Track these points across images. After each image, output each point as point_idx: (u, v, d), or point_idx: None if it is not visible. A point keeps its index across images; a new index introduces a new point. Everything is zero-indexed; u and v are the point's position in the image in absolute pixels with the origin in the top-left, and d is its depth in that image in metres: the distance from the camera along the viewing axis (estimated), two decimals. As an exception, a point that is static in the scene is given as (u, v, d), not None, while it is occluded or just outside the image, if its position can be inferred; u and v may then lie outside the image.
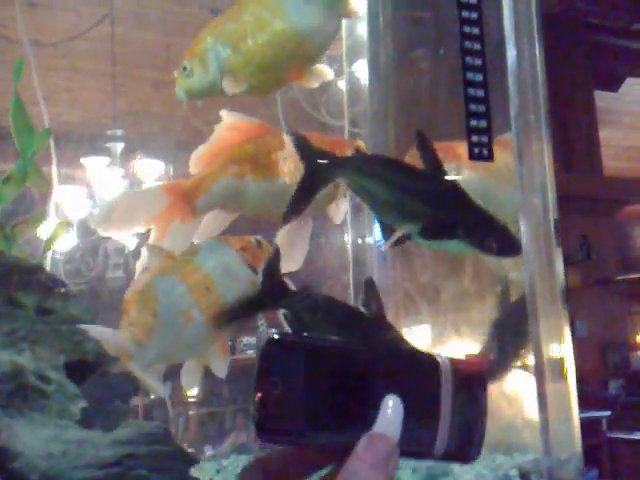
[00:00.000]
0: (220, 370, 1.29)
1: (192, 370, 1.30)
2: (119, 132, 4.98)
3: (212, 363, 1.27)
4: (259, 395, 0.52)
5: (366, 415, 0.54)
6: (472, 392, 0.57)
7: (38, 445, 0.85)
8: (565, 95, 5.73)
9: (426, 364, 0.56)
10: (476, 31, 1.23)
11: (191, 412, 4.64)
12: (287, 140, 1.13)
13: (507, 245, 1.10)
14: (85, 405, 0.95)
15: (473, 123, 1.23)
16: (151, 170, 4.60)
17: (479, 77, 1.23)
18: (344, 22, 3.46)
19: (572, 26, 5.80)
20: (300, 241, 1.32)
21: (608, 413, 5.09)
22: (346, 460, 0.52)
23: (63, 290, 1.08)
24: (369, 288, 1.17)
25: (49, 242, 1.20)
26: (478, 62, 1.23)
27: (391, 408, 0.53)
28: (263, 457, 0.58)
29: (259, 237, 1.31)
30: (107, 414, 1.25)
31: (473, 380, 0.57)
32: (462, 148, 1.24)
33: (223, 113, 1.32)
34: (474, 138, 1.24)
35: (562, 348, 1.32)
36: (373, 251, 1.80)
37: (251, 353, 4.70)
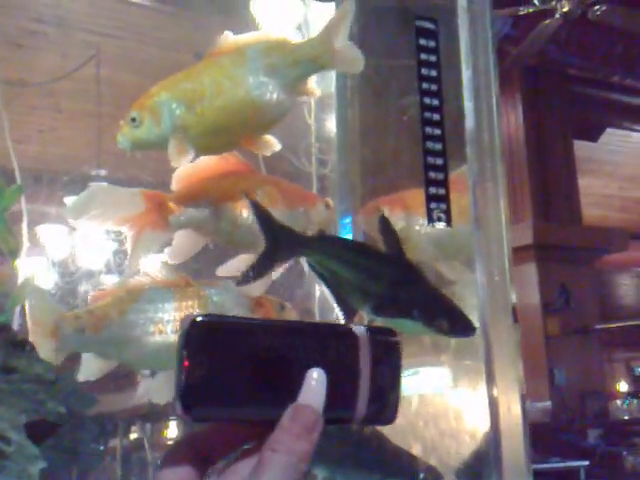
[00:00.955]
0: (158, 395, 1.33)
1: (160, 385, 1.33)
2: (102, 172, 5.04)
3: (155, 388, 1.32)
4: (184, 374, 0.54)
5: (290, 388, 0.56)
6: (388, 359, 0.61)
7: (-5, 507, 0.89)
8: (544, 144, 5.86)
9: (345, 335, 0.59)
10: (436, 102, 1.30)
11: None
12: (249, 207, 1.18)
13: (459, 325, 1.14)
14: (44, 466, 0.98)
15: (432, 190, 1.29)
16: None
17: (438, 147, 1.29)
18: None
19: (551, 77, 5.96)
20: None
21: (586, 463, 5.11)
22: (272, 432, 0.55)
23: (28, 349, 1.12)
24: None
25: (15, 300, 1.24)
26: (437, 132, 1.30)
27: (314, 380, 0.57)
28: (190, 434, 0.59)
29: (286, 303, 1.37)
30: (82, 457, 1.29)
31: (389, 348, 0.61)
32: (416, 198, 1.31)
33: None
34: (433, 205, 1.30)
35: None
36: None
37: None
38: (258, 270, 1.09)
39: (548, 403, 5.55)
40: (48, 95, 4.47)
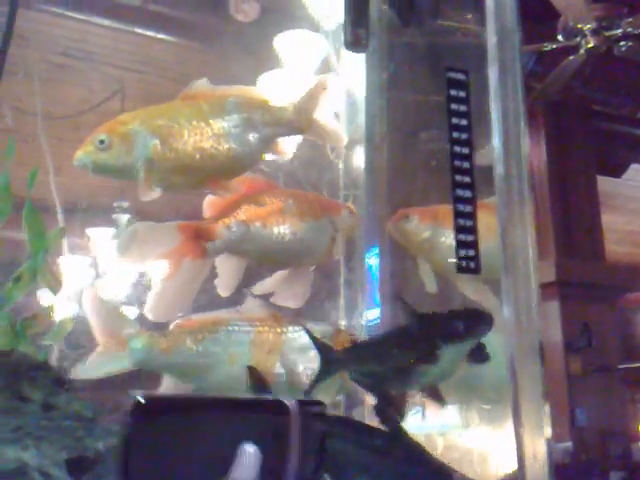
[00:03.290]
0: None
1: None
2: (125, 204, 5.13)
3: None
4: (122, 460, 0.57)
5: (225, 465, 0.59)
6: (315, 429, 0.64)
7: (38, 541, 0.93)
8: (567, 180, 5.89)
9: (276, 408, 0.62)
10: (466, 150, 1.35)
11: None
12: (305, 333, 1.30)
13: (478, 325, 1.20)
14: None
15: (461, 237, 1.33)
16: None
17: (468, 194, 1.33)
18: (345, 109, 3.61)
19: (575, 113, 6.01)
20: (300, 285, 1.45)
21: (609, 506, 5.05)
22: None
23: (67, 387, 1.17)
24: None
25: (56, 335, 1.29)
26: (467, 180, 1.34)
27: (247, 455, 0.59)
28: None
29: (343, 329, 1.46)
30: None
31: (316, 418, 0.65)
32: (446, 212, 1.36)
33: None
34: (461, 252, 1.34)
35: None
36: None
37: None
38: (316, 382, 1.23)
39: (569, 444, 5.50)
40: (74, 128, 4.57)
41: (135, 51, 4.64)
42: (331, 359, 1.27)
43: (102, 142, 1.28)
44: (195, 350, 1.37)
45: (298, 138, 4.15)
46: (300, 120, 1.44)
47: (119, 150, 1.28)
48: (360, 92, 1.89)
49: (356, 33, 1.30)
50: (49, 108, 4.23)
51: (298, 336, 1.40)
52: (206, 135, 1.34)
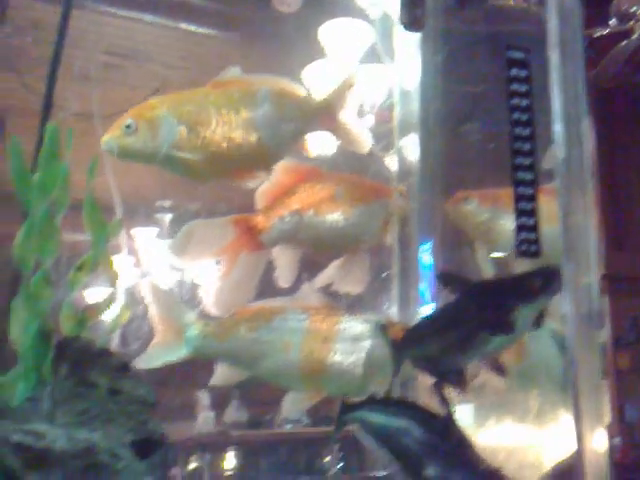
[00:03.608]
0: (289, 411, 1.42)
1: (293, 402, 1.41)
2: (167, 203, 5.19)
3: (287, 404, 1.40)
4: None
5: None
6: None
7: (109, 519, 0.95)
8: (618, 171, 5.80)
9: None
10: (527, 132, 1.33)
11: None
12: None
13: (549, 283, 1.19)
14: (179, 473, 1.05)
15: (522, 221, 1.33)
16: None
17: (529, 177, 1.32)
18: (398, 96, 3.61)
19: (627, 101, 5.91)
20: (358, 269, 1.46)
21: (661, 506, 4.97)
22: None
23: (130, 373, 1.19)
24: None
25: (115, 324, 1.32)
26: (528, 162, 1.33)
27: None
28: None
29: (397, 321, 1.51)
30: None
31: None
32: (506, 195, 1.36)
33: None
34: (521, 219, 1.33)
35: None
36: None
37: (289, 427, 4.74)
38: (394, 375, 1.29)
39: (617, 439, 5.43)
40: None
41: (177, 47, 4.68)
42: (402, 349, 1.29)
43: (129, 127, 1.30)
44: (250, 338, 1.39)
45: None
46: (328, 117, 1.42)
47: (145, 135, 1.29)
48: (413, 79, 1.88)
49: (413, 13, 1.30)
50: (90, 108, 4.28)
51: (352, 326, 1.42)
52: (235, 124, 1.34)
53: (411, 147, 2.60)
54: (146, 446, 1.11)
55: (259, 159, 1.39)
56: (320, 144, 3.81)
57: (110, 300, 1.29)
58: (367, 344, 1.41)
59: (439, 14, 1.48)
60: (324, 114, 1.43)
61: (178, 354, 1.37)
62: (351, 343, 1.41)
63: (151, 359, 1.36)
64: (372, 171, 3.68)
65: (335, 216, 1.43)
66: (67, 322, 1.20)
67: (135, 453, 1.07)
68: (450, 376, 1.23)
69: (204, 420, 5.27)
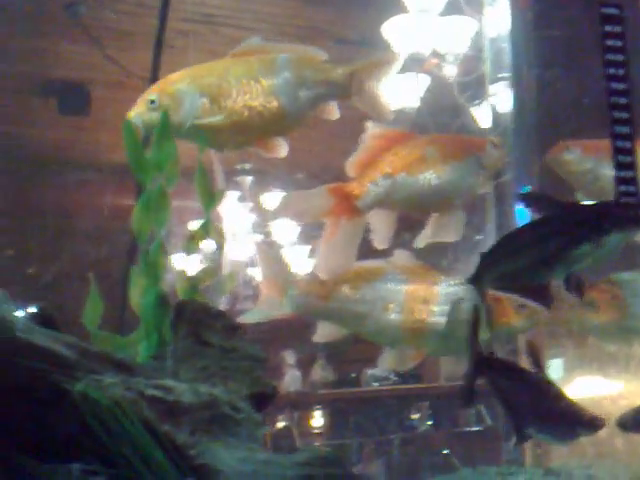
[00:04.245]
0: (396, 364, 1.51)
1: (394, 358, 1.51)
2: (247, 166, 5.32)
3: (393, 359, 1.50)
4: None
5: None
6: None
7: (234, 464, 1.07)
8: None
9: None
10: (622, 86, 1.35)
11: (316, 443, 4.85)
12: None
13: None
14: (268, 431, 1.16)
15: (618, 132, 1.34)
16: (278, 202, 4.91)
17: (625, 130, 1.33)
18: (488, 48, 3.59)
19: None
20: (453, 225, 1.53)
21: None
22: None
23: (241, 332, 1.31)
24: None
25: (224, 288, 1.44)
26: (625, 116, 1.34)
27: None
28: None
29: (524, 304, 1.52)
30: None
31: None
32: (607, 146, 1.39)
33: (369, 125, 1.53)
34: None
35: None
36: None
37: (376, 385, 4.82)
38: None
39: None
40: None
41: (253, 9, 4.76)
42: (481, 275, 1.32)
43: (153, 102, 1.35)
44: (352, 297, 1.48)
45: (425, 83, 4.11)
46: (351, 83, 1.45)
47: (169, 109, 1.34)
48: (502, 28, 1.90)
49: None
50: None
51: (451, 287, 1.49)
52: (255, 93, 1.38)
53: (502, 97, 2.62)
54: (261, 399, 1.22)
55: (280, 125, 1.43)
56: (403, 97, 3.84)
57: (218, 265, 1.41)
58: (465, 306, 1.48)
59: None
60: (348, 81, 1.46)
61: (281, 311, 1.47)
62: (450, 304, 1.48)
63: (256, 314, 1.46)
64: (459, 123, 3.70)
65: (427, 175, 1.48)
66: (182, 286, 1.32)
67: (253, 405, 1.18)
68: (534, 292, 1.28)
69: (291, 379, 5.44)
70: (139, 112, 1.36)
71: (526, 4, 1.90)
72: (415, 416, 4.46)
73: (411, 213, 1.57)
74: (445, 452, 3.79)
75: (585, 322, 1.69)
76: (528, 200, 1.32)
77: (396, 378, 4.44)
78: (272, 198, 5.01)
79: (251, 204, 5.05)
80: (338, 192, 1.50)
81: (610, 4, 1.24)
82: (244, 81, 1.39)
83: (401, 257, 1.52)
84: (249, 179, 5.30)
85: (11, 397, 0.96)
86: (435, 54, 3.76)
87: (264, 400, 1.23)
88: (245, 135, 1.42)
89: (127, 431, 1.00)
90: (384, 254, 1.56)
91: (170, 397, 1.08)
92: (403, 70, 3.92)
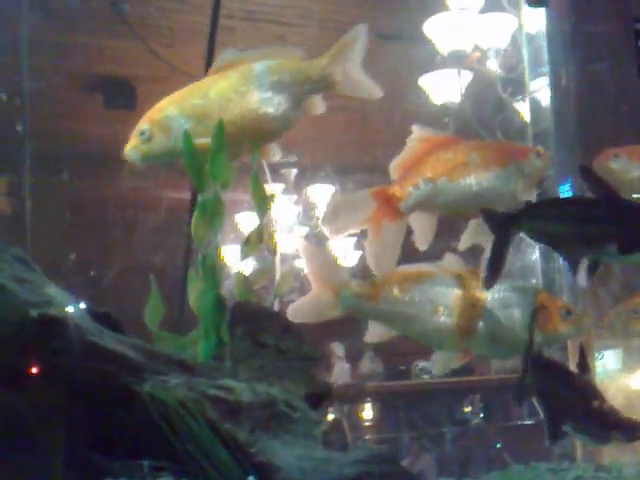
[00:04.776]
0: (439, 369, 1.56)
1: (441, 359, 1.57)
2: (292, 159, 5.38)
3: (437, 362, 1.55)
4: None
5: None
6: None
7: (292, 461, 1.13)
8: None
9: None
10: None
11: (367, 437, 4.89)
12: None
13: None
14: (325, 429, 1.22)
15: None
16: (322, 194, 4.96)
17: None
18: (524, 42, 3.58)
19: None
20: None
21: None
22: None
23: (295, 333, 1.37)
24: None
25: (278, 291, 1.50)
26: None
27: None
28: None
29: (574, 308, 1.57)
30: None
31: None
32: None
33: (414, 127, 1.56)
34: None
35: None
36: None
37: (427, 378, 4.84)
38: (496, 251, 1.34)
39: None
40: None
41: (296, 5, 4.81)
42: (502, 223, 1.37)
43: (143, 134, 1.40)
44: (401, 300, 1.52)
45: (468, 78, 4.12)
46: (331, 74, 1.48)
47: (160, 138, 1.40)
48: (539, 23, 1.91)
49: None
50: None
51: (500, 292, 1.52)
52: (238, 107, 1.42)
53: (543, 93, 2.64)
54: (317, 398, 1.28)
55: (269, 133, 1.48)
56: (446, 93, 3.86)
57: (270, 267, 1.46)
58: (514, 311, 1.52)
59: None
60: (325, 75, 1.49)
61: (333, 312, 1.52)
62: (500, 309, 1.52)
63: (305, 315, 1.51)
64: (501, 118, 3.70)
65: (468, 181, 1.51)
66: (238, 288, 1.38)
67: (309, 404, 1.23)
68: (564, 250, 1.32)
69: (340, 371, 5.49)
70: (133, 146, 1.42)
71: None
72: (467, 409, 4.48)
73: (452, 216, 1.60)
74: (497, 446, 3.81)
75: (628, 328, 1.71)
76: (589, 176, 1.34)
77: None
78: (317, 190, 5.08)
79: (296, 196, 5.12)
80: (380, 195, 1.54)
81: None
82: (227, 97, 1.44)
83: (451, 261, 1.56)
84: (294, 171, 5.37)
85: (84, 398, 1.03)
86: (477, 48, 3.78)
87: (319, 399, 1.28)
88: (237, 148, 1.45)
89: (192, 430, 1.07)
90: (436, 258, 1.60)
91: (231, 397, 1.14)
92: (445, 66, 3.94)
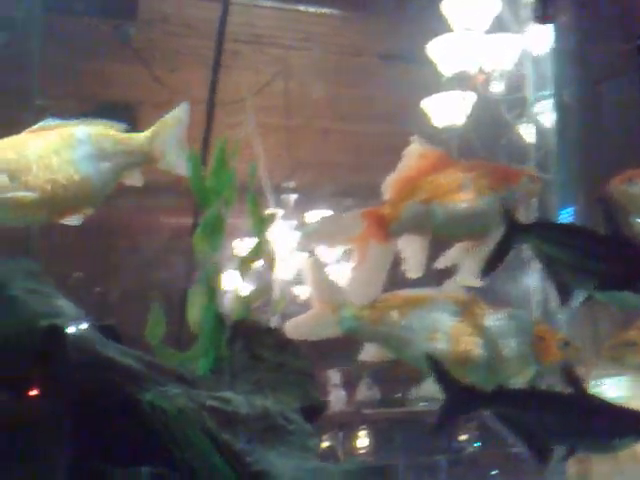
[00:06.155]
0: (431, 394, 1.62)
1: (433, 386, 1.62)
2: (292, 184, 5.46)
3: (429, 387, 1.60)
4: None
5: None
6: None
7: (288, 472, 1.19)
8: None
9: None
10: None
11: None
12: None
13: None
14: (319, 442, 1.28)
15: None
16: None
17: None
18: (529, 62, 3.64)
19: None
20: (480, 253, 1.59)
21: None
22: None
23: (291, 348, 1.43)
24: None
25: (277, 307, 1.57)
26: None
27: None
28: None
29: (570, 340, 1.61)
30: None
31: None
32: None
33: (413, 139, 1.60)
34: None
35: None
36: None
37: (423, 405, 4.87)
38: (494, 255, 1.39)
39: None
40: (240, 112, 4.91)
41: (297, 28, 4.92)
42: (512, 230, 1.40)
43: None
44: (400, 323, 1.57)
45: (472, 100, 4.17)
46: (151, 150, 1.53)
47: None
48: (545, 45, 1.95)
49: (545, 11, 1.41)
50: (221, 95, 4.57)
51: (498, 321, 1.57)
52: (57, 167, 1.44)
53: (546, 115, 2.70)
54: (311, 411, 1.34)
55: (85, 198, 1.50)
56: (449, 115, 3.92)
57: (269, 286, 1.53)
58: (512, 341, 1.57)
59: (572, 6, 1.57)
60: (145, 152, 1.54)
61: (332, 331, 1.57)
62: (496, 338, 1.56)
63: (304, 332, 1.56)
64: (505, 140, 3.76)
65: (461, 205, 1.56)
66: (237, 306, 1.45)
67: (304, 417, 1.30)
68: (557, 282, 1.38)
69: (336, 398, 5.52)
70: None
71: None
72: (462, 437, 4.51)
73: (443, 240, 1.63)
74: (493, 473, 3.85)
75: (626, 360, 1.76)
76: (605, 204, 1.39)
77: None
78: (316, 216, 5.16)
79: (295, 222, 5.19)
80: (370, 216, 1.58)
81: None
82: (44, 155, 1.46)
83: (451, 287, 1.60)
84: (293, 197, 5.45)
85: (88, 406, 1.10)
86: (481, 71, 3.86)
87: (314, 413, 1.35)
88: (50, 209, 1.48)
89: (190, 438, 1.13)
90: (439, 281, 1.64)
91: (228, 408, 1.21)
92: (450, 88, 4.01)
